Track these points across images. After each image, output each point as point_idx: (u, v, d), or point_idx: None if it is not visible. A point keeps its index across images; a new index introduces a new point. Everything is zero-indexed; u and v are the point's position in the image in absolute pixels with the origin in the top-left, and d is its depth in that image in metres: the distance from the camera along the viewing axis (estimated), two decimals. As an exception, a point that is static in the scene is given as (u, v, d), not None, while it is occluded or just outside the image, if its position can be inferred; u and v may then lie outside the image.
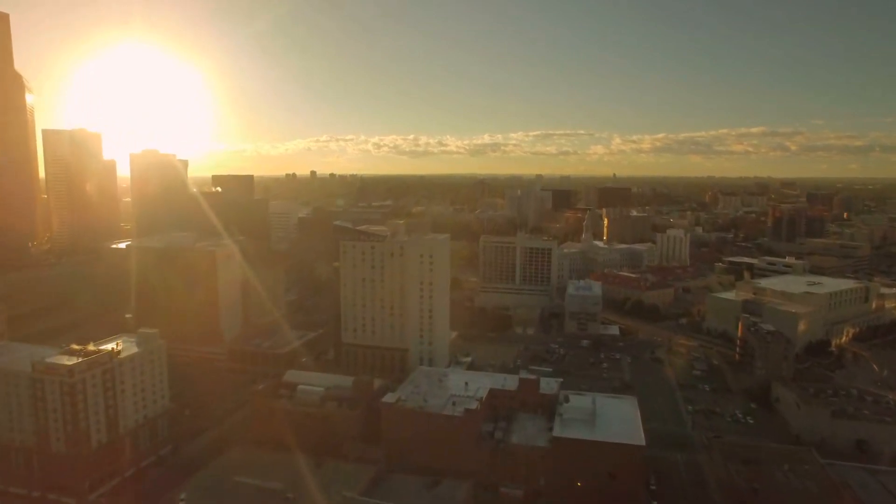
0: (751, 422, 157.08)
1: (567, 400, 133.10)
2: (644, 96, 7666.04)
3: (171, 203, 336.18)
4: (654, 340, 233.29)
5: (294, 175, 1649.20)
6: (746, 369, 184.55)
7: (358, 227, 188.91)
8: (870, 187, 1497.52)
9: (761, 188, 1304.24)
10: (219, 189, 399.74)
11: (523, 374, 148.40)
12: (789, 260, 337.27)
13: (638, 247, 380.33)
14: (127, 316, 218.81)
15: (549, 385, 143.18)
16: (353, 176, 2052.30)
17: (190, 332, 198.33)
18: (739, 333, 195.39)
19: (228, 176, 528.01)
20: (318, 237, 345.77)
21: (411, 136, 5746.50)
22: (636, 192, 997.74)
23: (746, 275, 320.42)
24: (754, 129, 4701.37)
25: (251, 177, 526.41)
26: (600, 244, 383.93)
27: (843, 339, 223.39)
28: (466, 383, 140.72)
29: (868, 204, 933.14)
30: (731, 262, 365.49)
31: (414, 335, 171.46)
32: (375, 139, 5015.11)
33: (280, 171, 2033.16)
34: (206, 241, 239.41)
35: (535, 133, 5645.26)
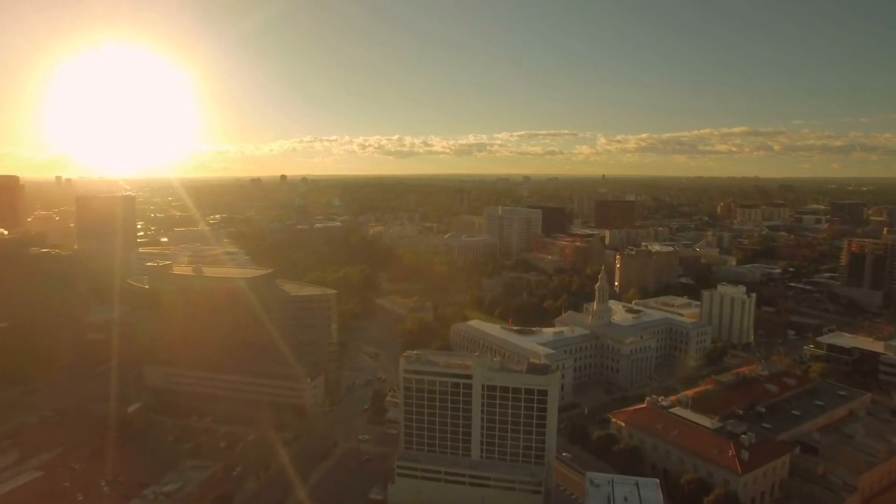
0: None
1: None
2: (626, 97, 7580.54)
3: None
4: None
5: (259, 180, 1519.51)
6: None
7: None
8: (864, 188, 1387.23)
9: (763, 193, 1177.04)
10: (4, 232, 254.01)
11: None
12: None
13: (680, 320, 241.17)
14: None
15: None
16: (328, 177, 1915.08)
17: None
18: None
19: (95, 198, 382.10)
20: (150, 326, 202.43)
21: (396, 137, 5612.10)
22: (637, 200, 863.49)
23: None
24: (736, 129, 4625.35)
25: (131, 197, 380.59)
26: (619, 314, 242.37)
27: None
28: None
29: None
30: (831, 348, 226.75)
31: None
32: (360, 139, 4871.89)
33: (264, 173, 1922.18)
34: None
35: (519, 133, 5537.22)
